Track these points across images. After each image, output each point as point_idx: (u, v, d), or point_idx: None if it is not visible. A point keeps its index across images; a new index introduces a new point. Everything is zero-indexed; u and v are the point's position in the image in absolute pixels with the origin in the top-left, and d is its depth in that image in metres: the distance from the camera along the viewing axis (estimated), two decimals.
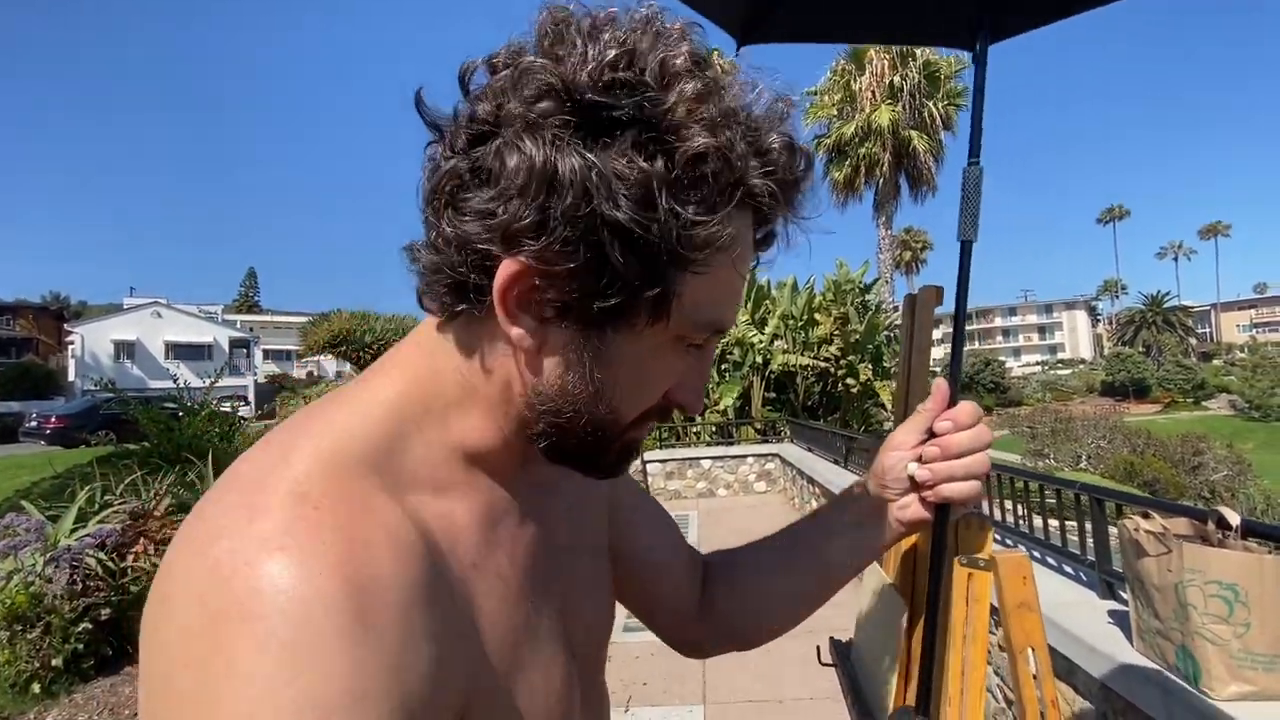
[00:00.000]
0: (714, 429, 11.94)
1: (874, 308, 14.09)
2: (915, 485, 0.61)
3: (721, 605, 0.68)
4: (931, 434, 0.61)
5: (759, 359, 13.19)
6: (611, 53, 0.37)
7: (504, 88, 0.38)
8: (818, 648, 1.01)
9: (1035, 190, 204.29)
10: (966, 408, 0.60)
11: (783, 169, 0.41)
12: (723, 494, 9.78)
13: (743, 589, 0.68)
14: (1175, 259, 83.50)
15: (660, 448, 10.86)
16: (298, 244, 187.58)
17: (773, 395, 13.24)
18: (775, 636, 0.69)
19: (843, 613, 1.03)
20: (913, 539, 0.76)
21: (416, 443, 0.43)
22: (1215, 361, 54.63)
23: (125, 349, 37.16)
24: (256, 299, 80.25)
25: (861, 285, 14.06)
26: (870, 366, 13.09)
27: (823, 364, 12.92)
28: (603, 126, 0.37)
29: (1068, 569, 2.78)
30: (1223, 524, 1.78)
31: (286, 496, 0.36)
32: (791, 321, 13.98)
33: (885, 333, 14.01)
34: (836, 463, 6.82)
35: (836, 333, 13.16)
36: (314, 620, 0.31)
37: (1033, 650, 0.63)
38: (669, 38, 0.39)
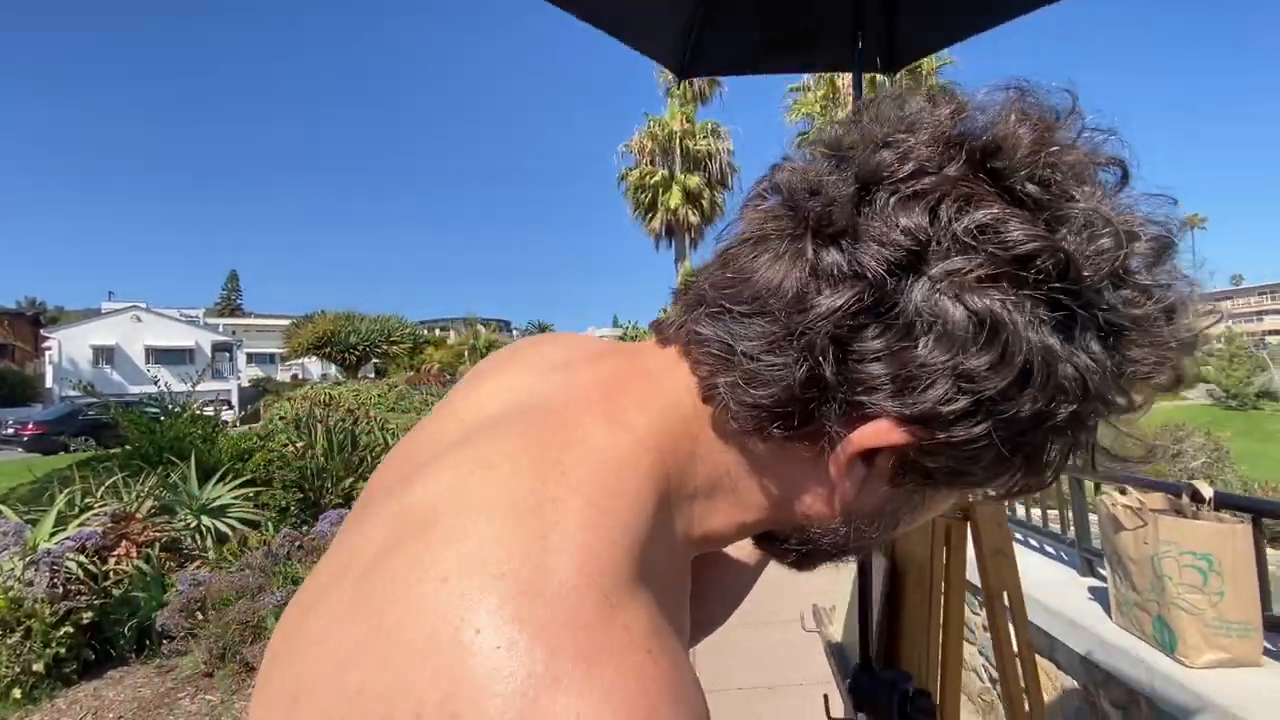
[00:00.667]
0: None
1: None
2: None
3: None
4: None
5: None
6: (1108, 243, 0.29)
7: (945, 212, 0.29)
8: (801, 615, 1.02)
9: None
10: None
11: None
12: None
13: None
14: None
15: None
16: (280, 246, 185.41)
17: None
18: (704, 635, 0.67)
19: (829, 588, 1.04)
20: None
21: (668, 536, 0.35)
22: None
23: (104, 354, 36.53)
24: (239, 302, 79.26)
25: None
26: None
27: None
28: (1078, 320, 0.30)
29: (1049, 549, 2.83)
30: (1196, 497, 1.82)
31: (610, 631, 0.27)
32: None
33: None
34: None
35: None
36: None
37: (1007, 594, 0.64)
38: (1138, 210, 0.32)
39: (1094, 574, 2.45)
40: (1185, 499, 1.84)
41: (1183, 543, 1.74)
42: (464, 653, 0.25)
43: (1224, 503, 1.82)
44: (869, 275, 0.30)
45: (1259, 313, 72.36)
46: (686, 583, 0.38)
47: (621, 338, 15.87)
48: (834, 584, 1.01)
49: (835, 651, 0.91)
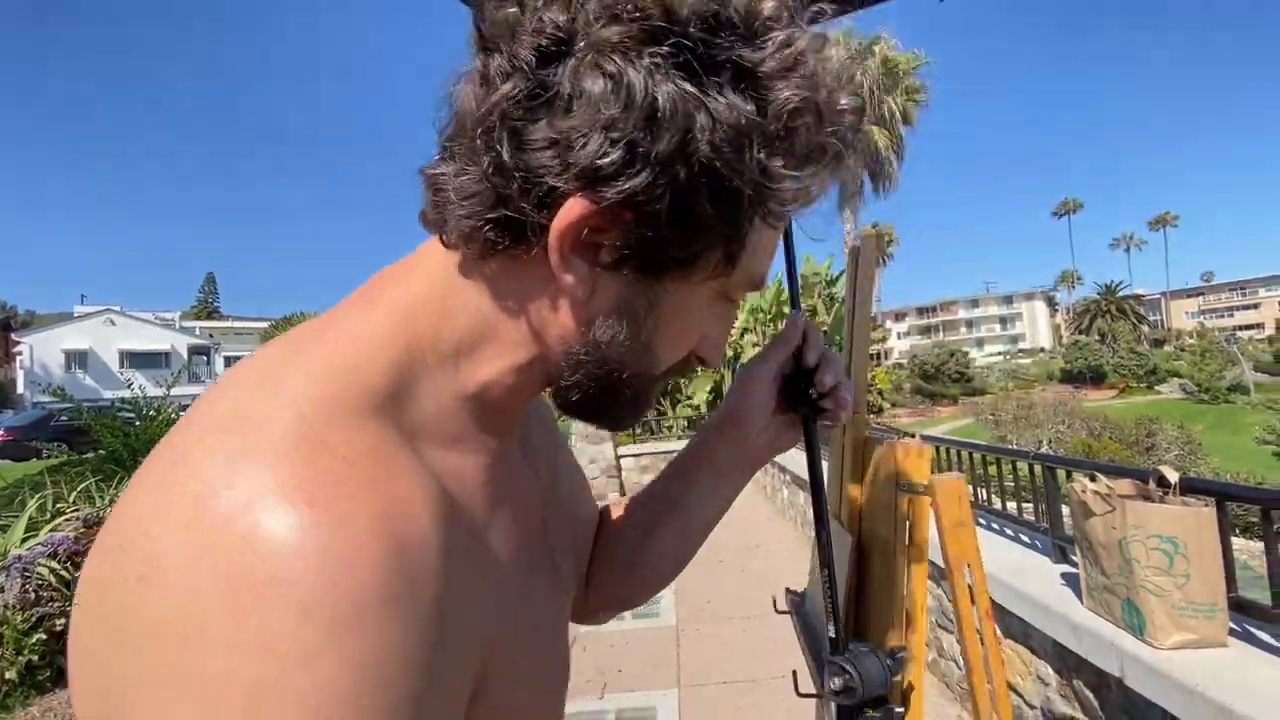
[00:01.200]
0: (686, 423, 12.02)
1: (841, 300, 14.35)
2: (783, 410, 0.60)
3: (598, 572, 0.66)
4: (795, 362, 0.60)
5: (730, 353, 13.31)
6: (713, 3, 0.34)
7: (581, 2, 0.35)
8: (774, 598, 1.03)
9: (994, 186, 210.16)
10: (812, 331, 0.60)
11: (852, 131, 0.39)
12: None
13: (612, 558, 0.66)
14: (1127, 249, 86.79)
15: (634, 442, 10.89)
16: (260, 248, 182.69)
17: None
18: (650, 596, 0.68)
19: (800, 570, 1.05)
20: (853, 471, 0.79)
21: (426, 388, 0.39)
22: (1166, 348, 56.91)
23: (77, 359, 35.76)
24: (216, 305, 77.86)
25: (828, 278, 14.30)
26: None
27: None
28: (700, 66, 0.34)
29: (1024, 538, 2.88)
30: (1162, 482, 1.87)
31: (301, 442, 0.30)
32: (761, 315, 14.14)
33: None
34: None
35: None
36: (360, 586, 0.28)
37: (968, 566, 0.66)
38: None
39: (1066, 560, 2.50)
40: (1152, 484, 1.89)
41: (1149, 527, 1.78)
42: (169, 482, 0.29)
43: (1189, 487, 1.87)
44: (524, 65, 0.34)
45: (1230, 308, 74.12)
46: (480, 440, 0.42)
47: None
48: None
49: (805, 631, 0.92)
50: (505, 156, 0.35)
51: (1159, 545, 1.76)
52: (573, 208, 0.35)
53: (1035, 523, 2.79)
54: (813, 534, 1.11)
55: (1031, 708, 2.32)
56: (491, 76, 0.35)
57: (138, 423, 6.45)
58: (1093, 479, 2.02)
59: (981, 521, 3.17)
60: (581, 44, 0.34)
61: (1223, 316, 72.57)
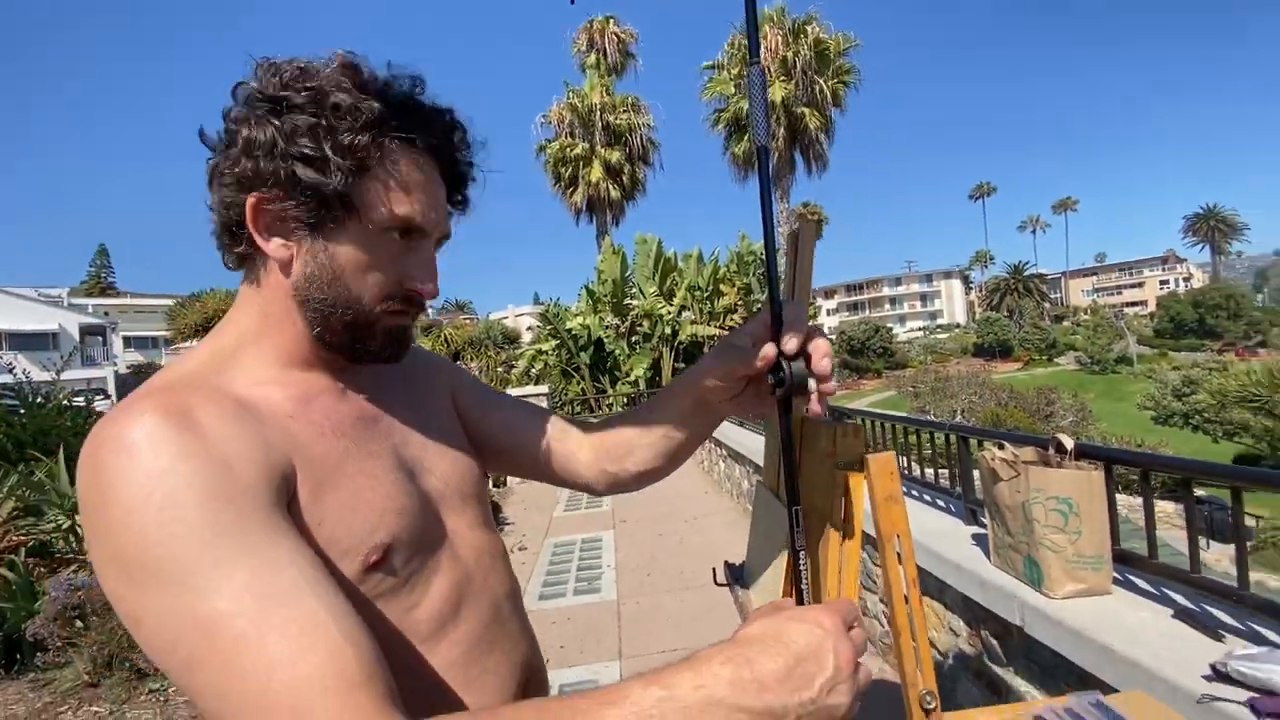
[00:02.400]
0: (626, 400, 12.10)
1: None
2: (769, 386, 0.72)
3: (594, 460, 0.89)
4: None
5: (668, 330, 13.44)
6: (288, 73, 0.62)
7: (237, 104, 0.64)
8: (714, 570, 1.07)
9: (915, 170, 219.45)
10: (801, 320, 0.70)
11: (407, 119, 0.64)
12: None
13: (604, 451, 0.88)
14: (1033, 231, 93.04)
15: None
16: (156, 218, 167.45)
17: (682, 365, 13.57)
18: (646, 482, 0.89)
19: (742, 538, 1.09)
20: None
21: (232, 366, 0.64)
22: (1065, 323, 61.70)
23: None
24: (111, 280, 71.15)
25: (763, 257, 14.62)
26: None
27: (728, 333, 13.39)
28: (285, 108, 0.61)
29: (940, 502, 3.09)
30: (1060, 449, 2.04)
31: (136, 397, 0.58)
32: (698, 293, 14.32)
33: None
34: (742, 425, 7.15)
35: (740, 302, 13.62)
36: (145, 432, 0.53)
37: (899, 537, 0.70)
38: (330, 65, 0.64)
39: (977, 522, 2.70)
40: (1051, 451, 2.06)
41: (1048, 489, 1.95)
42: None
43: (1083, 453, 2.05)
44: (221, 147, 0.64)
45: (1119, 287, 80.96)
46: (287, 377, 0.66)
47: (543, 315, 15.58)
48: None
49: (739, 590, 0.96)
50: (214, 196, 0.64)
51: (1056, 506, 1.93)
52: (249, 201, 0.62)
53: (950, 488, 3.00)
54: (750, 506, 1.15)
55: (944, 656, 2.52)
56: (215, 160, 0.64)
57: (23, 411, 5.85)
58: (1000, 447, 2.18)
59: (903, 489, 3.38)
60: (237, 124, 0.62)
61: (1113, 294, 79.13)
